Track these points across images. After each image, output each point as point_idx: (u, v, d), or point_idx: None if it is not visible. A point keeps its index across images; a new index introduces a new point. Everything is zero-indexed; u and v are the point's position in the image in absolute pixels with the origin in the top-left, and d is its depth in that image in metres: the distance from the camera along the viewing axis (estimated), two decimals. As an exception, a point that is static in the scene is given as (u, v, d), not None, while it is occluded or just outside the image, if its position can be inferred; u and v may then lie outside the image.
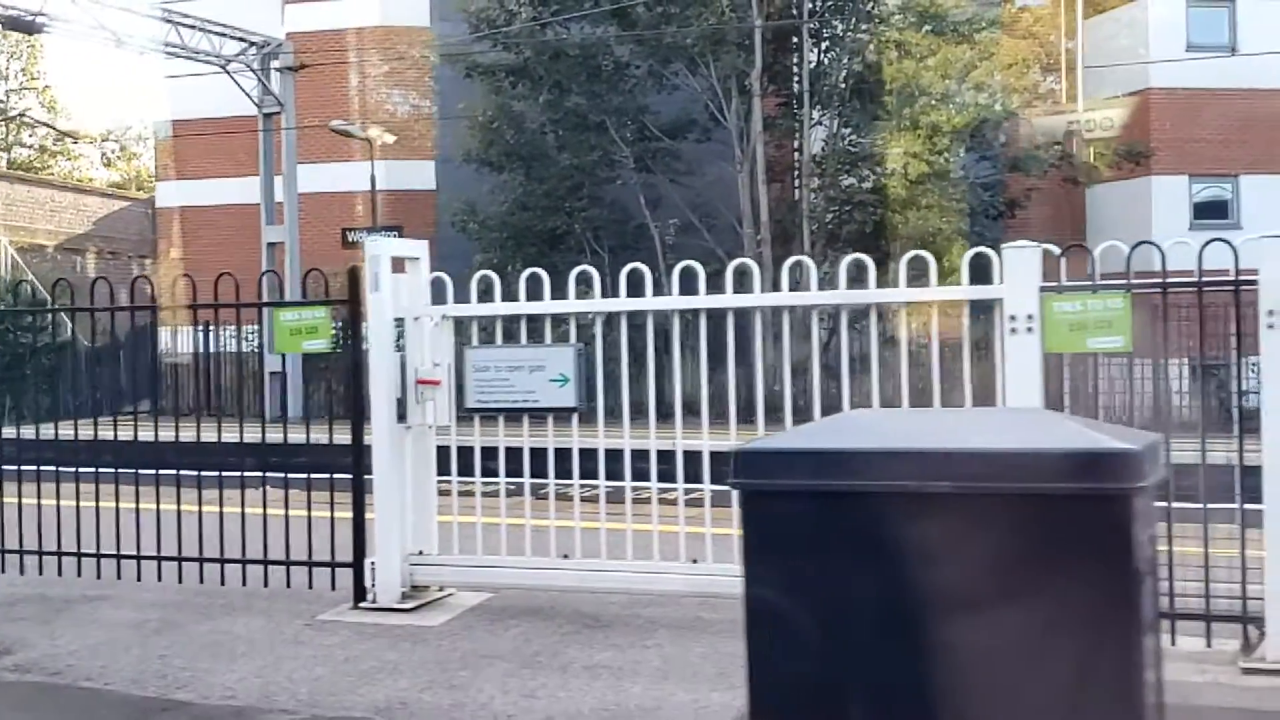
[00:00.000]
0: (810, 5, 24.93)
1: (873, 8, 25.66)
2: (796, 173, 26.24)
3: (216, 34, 21.86)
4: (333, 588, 7.97)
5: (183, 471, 8.59)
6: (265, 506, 8.14)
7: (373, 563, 7.75)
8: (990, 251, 6.74)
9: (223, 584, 8.28)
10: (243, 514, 8.19)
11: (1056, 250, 6.79)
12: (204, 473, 8.51)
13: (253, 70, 21.78)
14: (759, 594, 3.70)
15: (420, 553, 7.85)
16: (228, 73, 22.13)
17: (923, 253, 6.91)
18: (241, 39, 21.85)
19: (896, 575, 3.50)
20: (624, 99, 26.51)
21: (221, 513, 8.20)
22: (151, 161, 40.30)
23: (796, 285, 7.56)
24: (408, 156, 30.08)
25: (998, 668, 3.42)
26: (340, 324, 8.06)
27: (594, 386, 7.53)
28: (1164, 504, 6.41)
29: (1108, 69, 29.27)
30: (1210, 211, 29.01)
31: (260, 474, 8.25)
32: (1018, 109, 25.47)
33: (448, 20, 29.01)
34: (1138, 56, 28.69)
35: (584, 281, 7.64)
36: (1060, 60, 28.62)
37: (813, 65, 25.55)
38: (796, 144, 26.18)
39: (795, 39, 25.89)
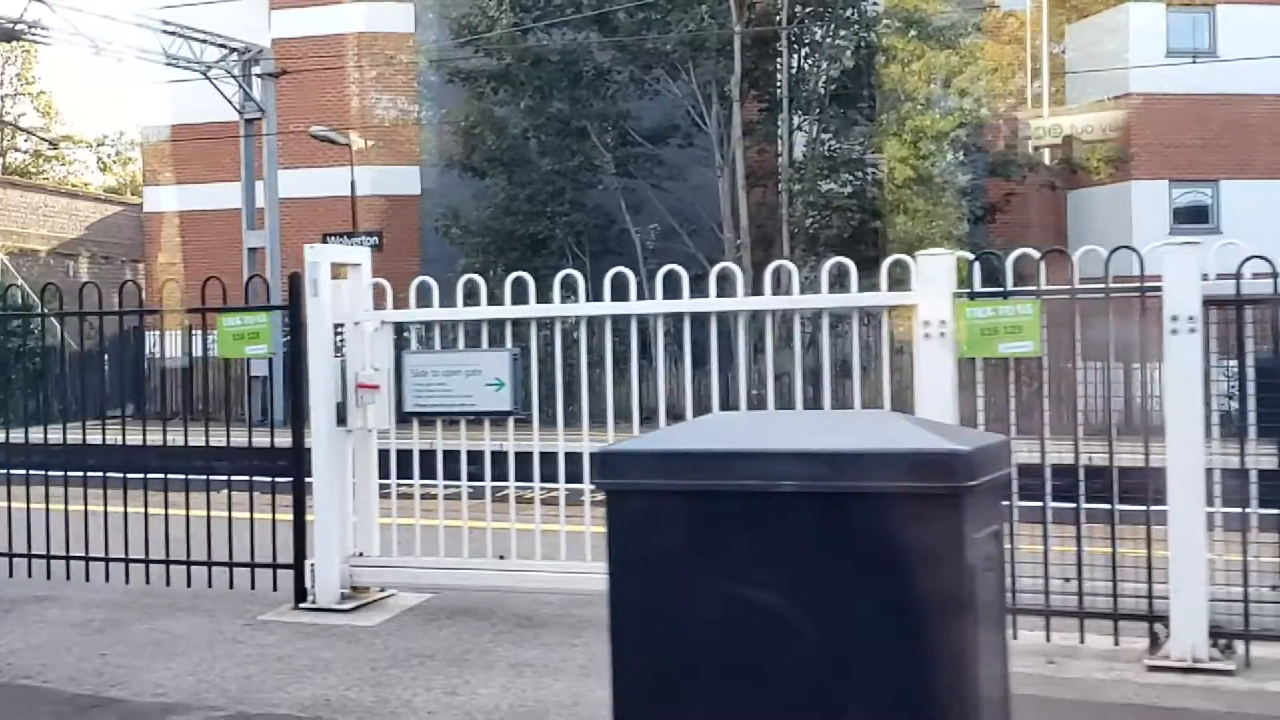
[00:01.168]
0: (790, 11, 25.07)
1: (851, 13, 25.85)
2: (777, 178, 26.39)
3: (198, 40, 22.00)
4: (274, 589, 8.12)
5: (133, 474, 8.72)
6: (209, 509, 8.29)
7: (312, 564, 7.89)
8: (908, 259, 6.89)
9: (168, 585, 8.42)
10: (187, 516, 8.31)
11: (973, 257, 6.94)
12: (154, 475, 8.64)
13: (233, 77, 21.91)
14: (621, 590, 3.85)
15: (360, 554, 8.00)
16: (209, 79, 22.28)
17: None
18: (223, 45, 21.98)
19: (743, 572, 3.65)
20: (605, 104, 26.70)
21: (167, 515, 8.37)
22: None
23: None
24: (392, 162, 30.26)
25: (837, 661, 3.57)
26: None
27: (530, 391, 7.67)
28: (1074, 505, 6.58)
29: (1090, 74, 29.48)
30: (1190, 216, 29.14)
31: (204, 477, 8.36)
32: (994, 115, 25.61)
33: (432, 26, 29.22)
34: (1119, 62, 28.84)
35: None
36: (1027, 66, 28.72)
37: (793, 71, 25.70)
38: (777, 149, 26.33)
39: (776, 45, 26.03)
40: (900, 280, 6.97)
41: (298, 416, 7.94)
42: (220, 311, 8.14)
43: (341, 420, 7.89)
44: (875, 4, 27.05)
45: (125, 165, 62.34)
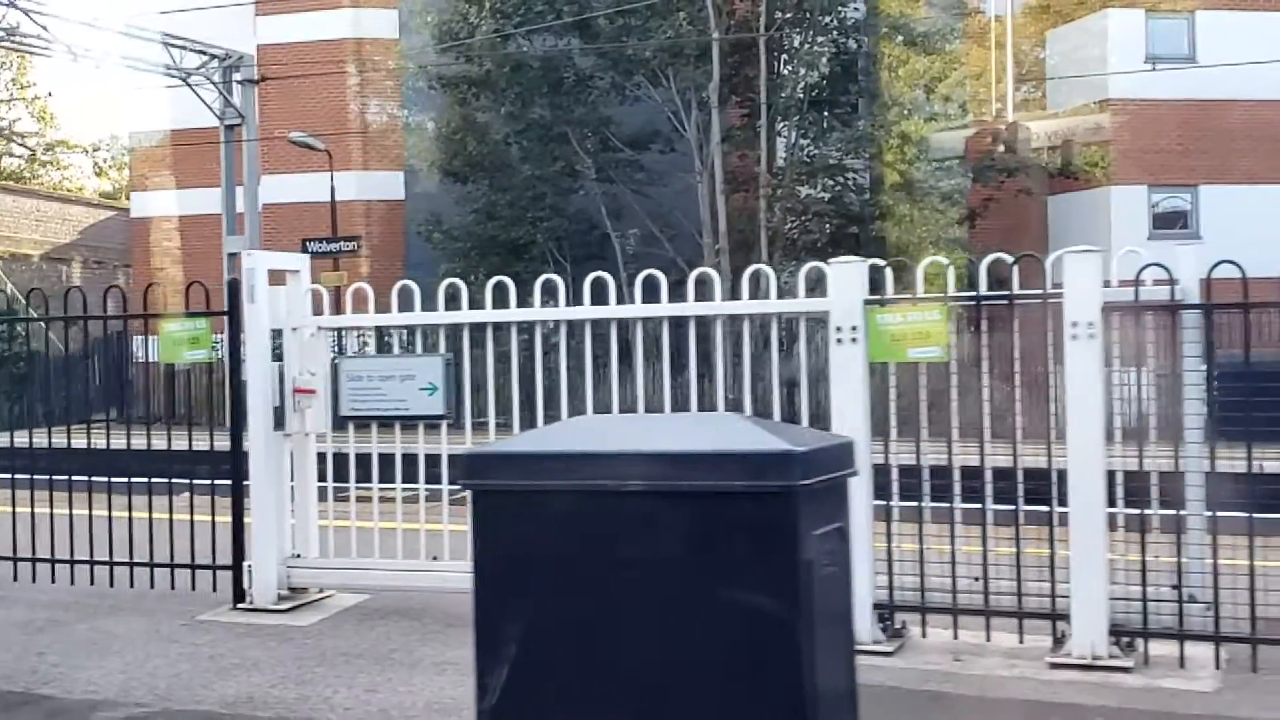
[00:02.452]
0: (768, 18, 25.23)
1: (830, 20, 26.03)
2: (758, 183, 26.57)
3: (178, 47, 22.19)
4: (214, 589, 8.28)
5: (82, 478, 8.86)
6: (151, 511, 8.44)
7: (249, 566, 8.05)
8: (823, 266, 7.05)
9: (111, 585, 8.59)
10: (130, 519, 8.50)
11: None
12: (100, 478, 8.79)
13: (213, 83, 22.09)
14: (484, 589, 4.01)
15: (297, 555, 8.16)
16: (189, 85, 22.46)
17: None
18: (202, 52, 22.16)
19: (596, 568, 3.81)
20: (586, 110, 26.85)
21: (111, 517, 8.53)
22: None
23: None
24: (378, 167, 30.43)
25: (681, 656, 3.73)
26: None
27: (463, 394, 7.83)
28: (980, 506, 6.74)
29: (1070, 80, 29.65)
30: (1170, 221, 29.29)
31: (146, 480, 8.53)
32: (960, 122, 25.77)
33: (416, 33, 29.39)
34: (1099, 68, 29.00)
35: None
36: (993, 73, 28.90)
37: (773, 77, 25.87)
38: (758, 155, 26.50)
39: (755, 51, 26.20)
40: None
41: (236, 420, 8.10)
42: (162, 318, 8.30)
43: (279, 424, 8.04)
44: (858, 8, 27.27)
45: (120, 170, 62.53)
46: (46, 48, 19.68)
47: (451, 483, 7.81)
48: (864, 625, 6.81)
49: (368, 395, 7.88)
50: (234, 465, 8.10)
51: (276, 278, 8.19)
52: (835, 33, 26.35)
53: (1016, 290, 6.71)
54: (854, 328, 6.79)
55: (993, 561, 6.70)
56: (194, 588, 8.38)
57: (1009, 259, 6.76)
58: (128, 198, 53.04)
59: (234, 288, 8.01)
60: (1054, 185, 29.38)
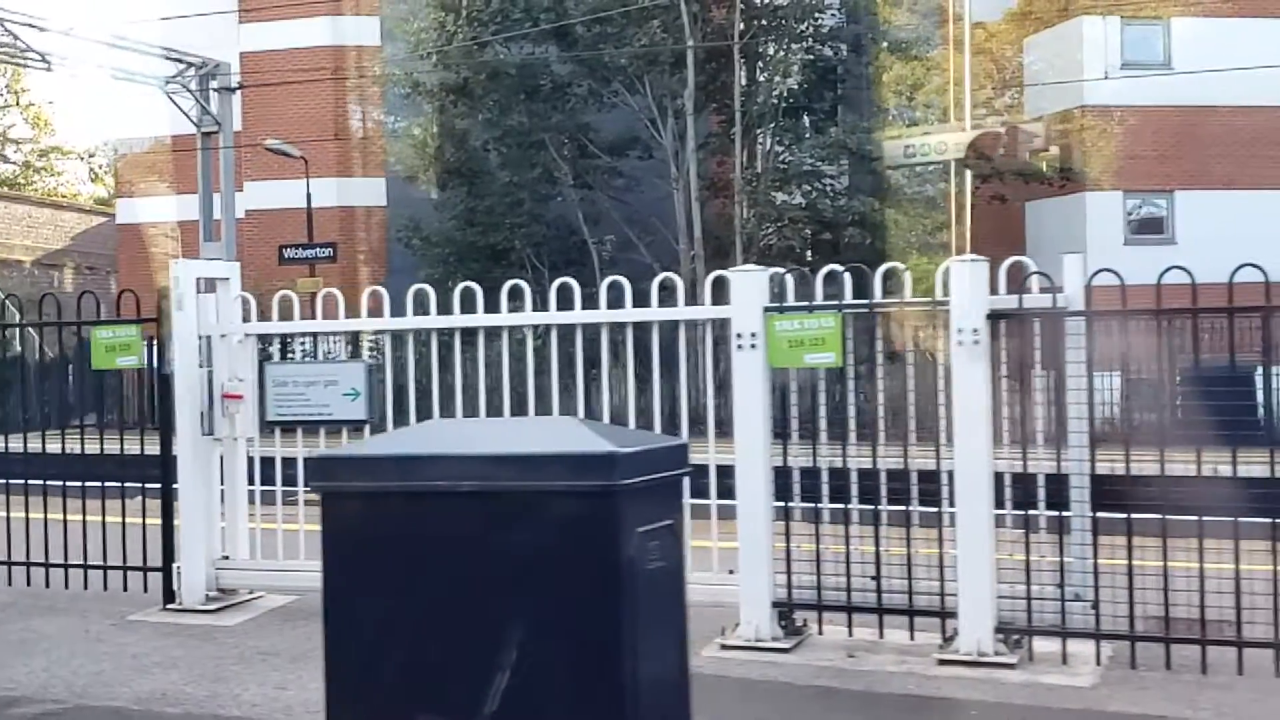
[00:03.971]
0: (743, 26, 25.44)
1: (805, 27, 26.25)
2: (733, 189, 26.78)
3: (154, 56, 22.42)
4: (145, 590, 8.48)
5: (21, 480, 9.07)
6: (84, 514, 8.64)
7: (178, 567, 8.25)
8: (726, 273, 7.24)
9: (47, 586, 8.79)
10: (65, 521, 8.69)
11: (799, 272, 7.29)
12: (38, 481, 9.00)
13: (189, 91, 22.31)
14: (332, 587, 4.20)
15: (225, 557, 8.35)
16: (166, 94, 22.68)
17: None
18: (179, 60, 22.38)
19: (433, 567, 4.00)
20: (564, 117, 27.07)
21: (46, 519, 8.73)
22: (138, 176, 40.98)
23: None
24: (359, 173, 30.66)
25: (511, 648, 3.91)
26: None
27: (385, 399, 8.03)
28: (873, 507, 6.93)
29: (1047, 86, 29.82)
30: (1146, 227, 29.47)
31: (80, 483, 8.73)
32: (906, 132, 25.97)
33: (397, 40, 29.61)
34: (1074, 74, 29.18)
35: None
36: (944, 82, 29.07)
37: (748, 85, 26.08)
38: (733, 161, 26.72)
39: (731, 58, 26.42)
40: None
41: (166, 425, 8.29)
42: (95, 324, 8.50)
43: (208, 429, 8.24)
44: (835, 15, 27.51)
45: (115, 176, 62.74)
46: (18, 56, 19.88)
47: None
48: (764, 623, 7.00)
49: (293, 400, 8.07)
50: (163, 469, 8.28)
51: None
52: (810, 40, 26.57)
53: (908, 298, 6.89)
54: (754, 334, 6.98)
55: (888, 561, 6.89)
56: (126, 589, 8.57)
57: (902, 267, 6.95)
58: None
59: (162, 295, 8.21)
60: (1031, 191, 29.57)
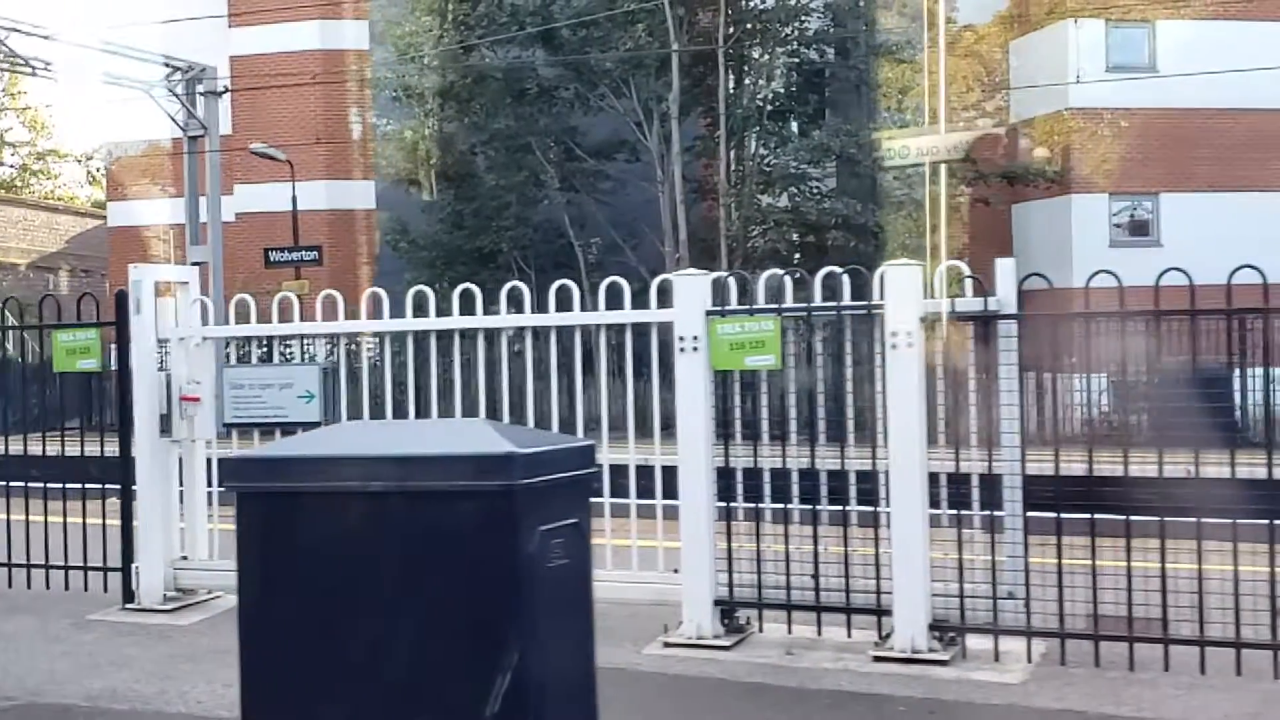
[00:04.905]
0: (727, 31, 25.56)
1: (790, 31, 26.38)
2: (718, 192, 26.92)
3: (142, 60, 22.57)
4: (105, 590, 8.59)
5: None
6: (46, 515, 8.77)
7: (137, 567, 8.37)
8: (671, 277, 7.36)
9: (10, 586, 8.91)
10: (26, 521, 8.81)
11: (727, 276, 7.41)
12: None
13: (176, 95, 22.47)
14: (247, 587, 4.31)
15: (184, 558, 8.47)
16: (152, 97, 22.84)
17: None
18: (165, 64, 22.54)
19: (342, 566, 4.11)
20: (551, 121, 27.22)
21: (9, 520, 8.85)
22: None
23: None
24: (348, 176, 30.81)
25: (418, 648, 4.02)
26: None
27: (339, 401, 8.15)
28: (811, 507, 7.05)
29: (1032, 89, 29.95)
30: (1131, 229, 29.59)
31: (42, 485, 8.86)
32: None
33: (386, 44, 29.76)
34: (1060, 77, 29.30)
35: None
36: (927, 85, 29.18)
37: (733, 89, 26.21)
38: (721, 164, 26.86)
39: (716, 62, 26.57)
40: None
41: (125, 427, 8.41)
42: (56, 328, 8.62)
43: (166, 431, 8.35)
44: (822, 18, 27.63)
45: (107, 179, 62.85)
46: (3, 61, 20.02)
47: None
48: (705, 621, 7.12)
49: (250, 403, 8.19)
50: (123, 471, 8.40)
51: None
52: (795, 44, 26.71)
53: (846, 302, 7.01)
54: (695, 337, 7.10)
55: (826, 560, 7.00)
56: (87, 589, 8.69)
57: (839, 271, 7.07)
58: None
59: (120, 299, 8.33)
60: (1017, 194, 29.71)
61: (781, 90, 26.83)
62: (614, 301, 7.66)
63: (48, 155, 60.78)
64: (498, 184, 27.07)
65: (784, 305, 7.08)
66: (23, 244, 43.59)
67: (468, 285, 7.98)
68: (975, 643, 6.79)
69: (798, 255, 26.11)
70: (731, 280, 7.30)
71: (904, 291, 6.68)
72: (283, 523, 4.18)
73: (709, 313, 7.12)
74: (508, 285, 7.86)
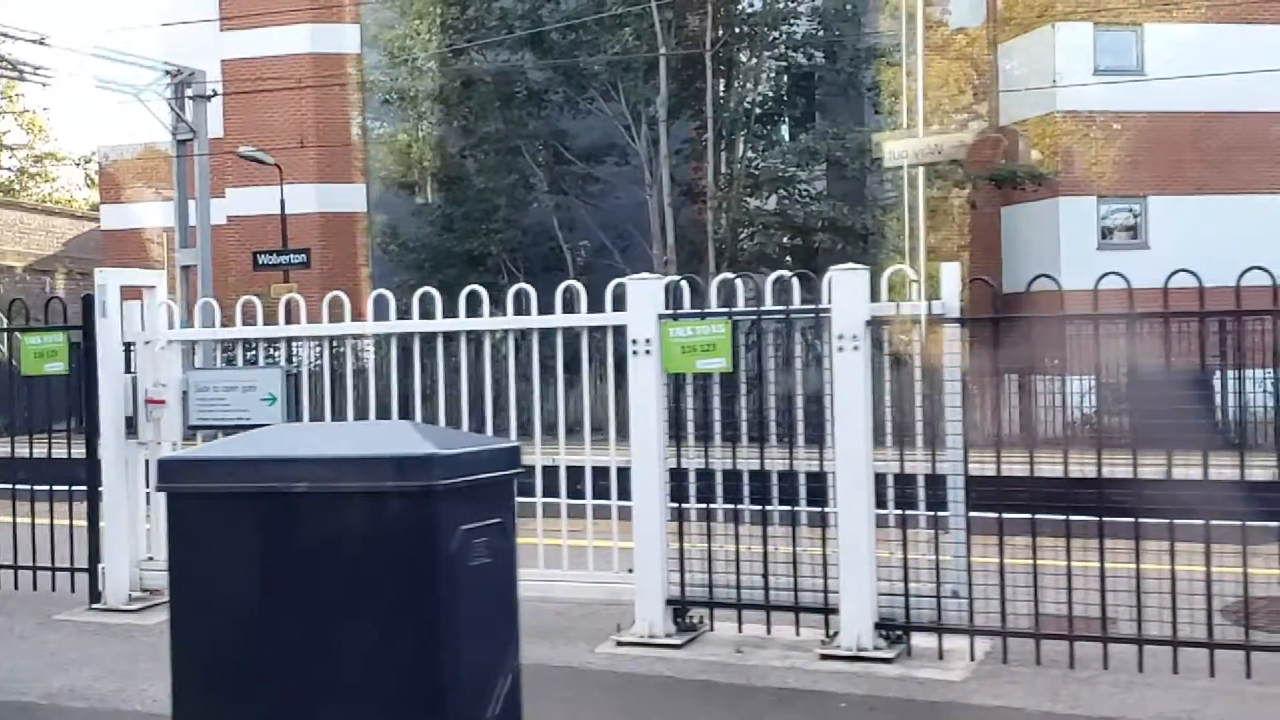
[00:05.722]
0: (714, 35, 25.66)
1: (778, 35, 26.50)
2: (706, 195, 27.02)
3: (129, 64, 22.70)
4: (73, 590, 8.70)
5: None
6: (15, 515, 8.87)
7: (103, 568, 8.47)
8: (625, 281, 7.47)
9: (-21, 587, 9.05)
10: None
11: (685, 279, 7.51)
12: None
13: (164, 99, 22.59)
14: (177, 586, 4.40)
15: (150, 558, 8.57)
16: (141, 101, 22.96)
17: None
18: (153, 68, 22.67)
19: (270, 565, 4.21)
20: (540, 124, 27.33)
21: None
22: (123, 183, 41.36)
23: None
24: (339, 180, 30.91)
25: (342, 643, 4.12)
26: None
27: (301, 404, 8.25)
28: (761, 507, 7.15)
29: (1019, 92, 30.04)
30: (1119, 232, 29.66)
31: (11, 486, 8.97)
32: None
33: (377, 47, 29.87)
34: (1047, 80, 29.38)
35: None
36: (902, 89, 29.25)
37: (721, 93, 26.31)
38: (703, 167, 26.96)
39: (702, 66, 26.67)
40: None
41: (92, 429, 8.51)
42: (24, 331, 8.72)
43: (132, 433, 8.46)
44: (808, 21, 27.73)
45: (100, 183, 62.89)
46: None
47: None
48: (658, 620, 7.22)
49: (213, 406, 8.29)
50: (89, 472, 8.51)
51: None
52: (783, 47, 26.82)
53: (796, 305, 7.11)
54: (648, 340, 7.21)
55: (776, 559, 7.10)
56: (54, 589, 8.80)
57: (788, 275, 7.17)
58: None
59: (87, 303, 8.43)
60: (1006, 197, 29.78)
61: (771, 94, 26.94)
62: (573, 306, 7.79)
63: (46, 158, 60.89)
64: (487, 187, 27.18)
65: (734, 309, 7.18)
66: (19, 247, 43.66)
67: (428, 289, 8.08)
68: (922, 641, 6.89)
69: (789, 258, 26.22)
70: (685, 284, 7.40)
71: (850, 295, 6.79)
72: (211, 524, 4.27)
73: (661, 316, 7.22)
74: (465, 290, 7.96)
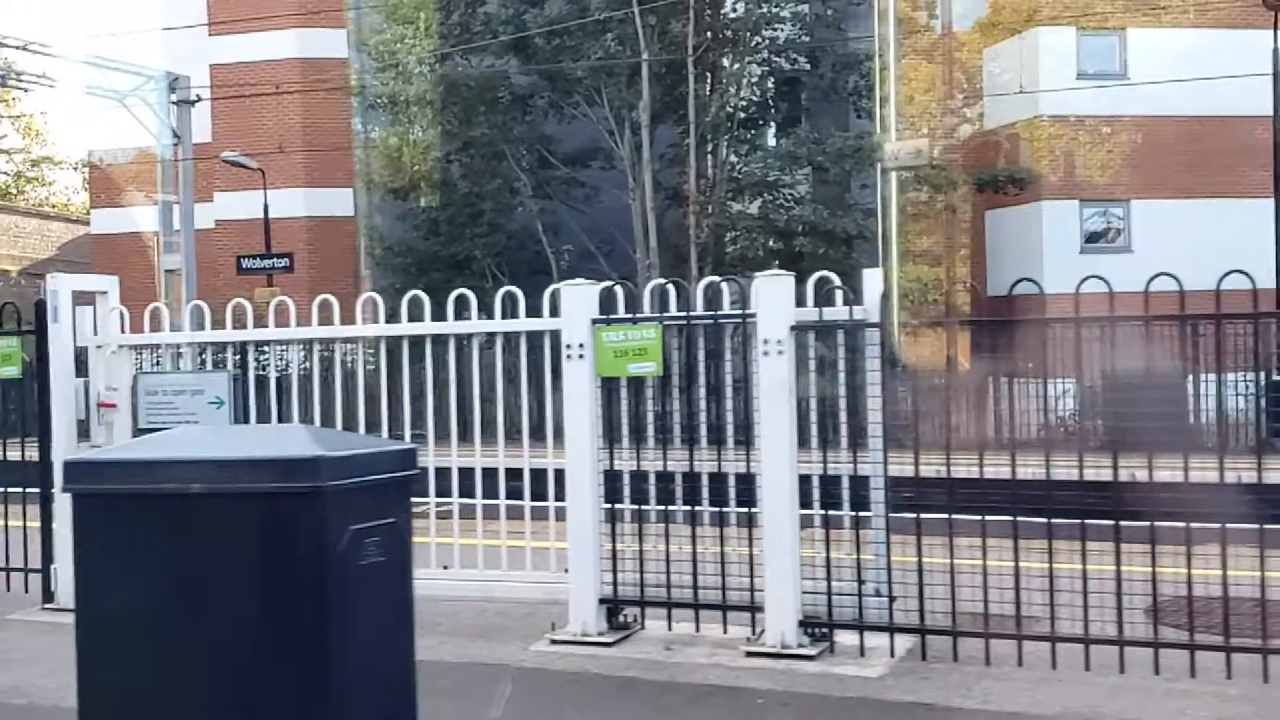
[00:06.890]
0: (697, 40, 25.84)
1: (760, 41, 26.68)
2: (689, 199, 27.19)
3: (114, 70, 22.90)
4: (26, 590, 8.86)
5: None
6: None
7: (55, 568, 8.62)
8: (560, 286, 7.62)
9: (-63, 588, 9.19)
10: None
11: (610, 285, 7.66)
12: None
13: (148, 104, 22.80)
14: (82, 588, 4.53)
15: (102, 558, 8.71)
16: (126, 107, 23.16)
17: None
18: (138, 74, 22.86)
19: (167, 566, 4.34)
20: (525, 129, 27.52)
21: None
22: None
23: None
24: (326, 184, 31.11)
25: (234, 644, 4.24)
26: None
27: (248, 407, 8.41)
28: (690, 508, 7.30)
29: (1004, 97, 30.20)
30: (1103, 236, 29.81)
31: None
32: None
33: (364, 53, 30.07)
34: (1031, 84, 29.53)
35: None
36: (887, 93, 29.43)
37: (703, 97, 26.48)
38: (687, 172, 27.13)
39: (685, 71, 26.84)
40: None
41: (45, 432, 8.66)
42: (-22, 337, 8.89)
43: (84, 436, 8.61)
44: (791, 27, 27.91)
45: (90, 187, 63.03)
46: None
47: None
48: (590, 618, 7.37)
49: (163, 409, 8.44)
50: (42, 475, 8.65)
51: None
52: (766, 52, 27.01)
53: (724, 310, 7.26)
54: (581, 345, 7.36)
55: (704, 559, 7.25)
56: (9, 589, 8.95)
57: (719, 280, 7.33)
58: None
59: (40, 308, 8.59)
60: (989, 200, 29.94)
61: (756, 98, 27.12)
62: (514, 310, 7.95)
63: (42, 162, 61.08)
64: (472, 191, 27.38)
65: (665, 314, 7.33)
66: (14, 251, 43.88)
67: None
68: (847, 639, 7.03)
69: (776, 261, 26.38)
70: (619, 289, 7.55)
71: (775, 301, 6.93)
72: (112, 525, 4.40)
73: (594, 321, 7.37)
74: (409, 294, 8.12)
